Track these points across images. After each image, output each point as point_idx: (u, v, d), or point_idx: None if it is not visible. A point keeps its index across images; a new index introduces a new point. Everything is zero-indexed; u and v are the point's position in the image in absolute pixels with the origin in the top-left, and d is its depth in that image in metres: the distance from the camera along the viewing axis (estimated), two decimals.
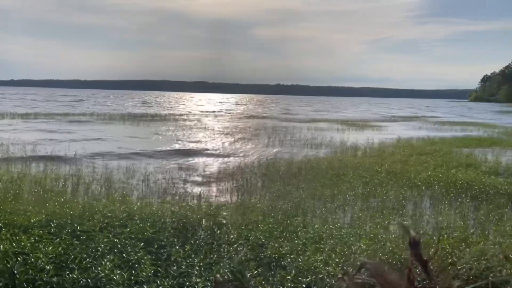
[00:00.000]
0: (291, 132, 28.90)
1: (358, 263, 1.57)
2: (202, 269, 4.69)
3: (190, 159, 17.26)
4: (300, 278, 4.54)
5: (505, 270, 4.58)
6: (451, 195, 10.33)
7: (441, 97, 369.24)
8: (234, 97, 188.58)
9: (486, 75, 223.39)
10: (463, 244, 5.49)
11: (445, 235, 5.94)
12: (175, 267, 4.71)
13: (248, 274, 4.47)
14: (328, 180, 11.47)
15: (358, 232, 6.25)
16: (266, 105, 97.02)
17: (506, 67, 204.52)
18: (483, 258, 4.80)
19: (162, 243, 5.41)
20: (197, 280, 4.42)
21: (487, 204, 9.47)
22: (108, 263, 4.56)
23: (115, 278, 4.29)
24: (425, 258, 1.68)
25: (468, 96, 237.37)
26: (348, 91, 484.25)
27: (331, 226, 6.59)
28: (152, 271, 4.54)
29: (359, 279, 1.47)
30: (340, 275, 2.21)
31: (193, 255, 5.02)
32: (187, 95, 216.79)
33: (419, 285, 1.49)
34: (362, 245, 5.38)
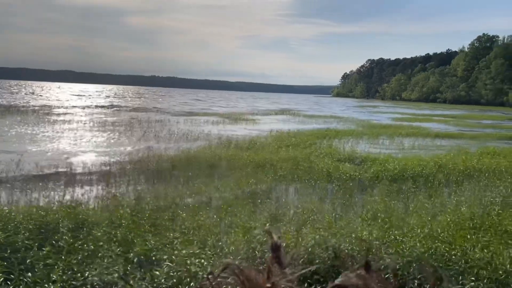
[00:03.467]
0: (165, 126, 28.44)
1: (222, 263, 1.67)
2: (65, 270, 4.43)
3: (57, 157, 15.84)
4: (171, 274, 4.53)
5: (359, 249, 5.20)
6: (312, 182, 11.41)
7: (309, 92, 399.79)
8: (106, 88, 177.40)
9: (346, 73, 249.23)
10: (321, 229, 6.10)
11: (307, 222, 6.55)
12: (29, 273, 4.36)
13: (115, 275, 4.36)
14: (201, 173, 11.68)
15: (231, 222, 6.52)
16: (140, 98, 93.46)
17: (361, 66, 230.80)
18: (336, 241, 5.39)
19: (17, 246, 4.95)
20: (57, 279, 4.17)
21: (343, 188, 10.68)
22: None
23: None
24: (284, 262, 1.82)
25: (331, 92, 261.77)
26: (224, 85, 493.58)
27: (201, 219, 6.74)
28: (2, 278, 4.15)
29: (223, 279, 1.55)
30: (205, 276, 2.30)
31: (52, 257, 4.70)
32: (51, 85, 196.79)
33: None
34: (232, 238, 5.57)
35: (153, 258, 4.96)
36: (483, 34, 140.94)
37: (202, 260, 4.75)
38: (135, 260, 4.90)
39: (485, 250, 5.23)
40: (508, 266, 4.85)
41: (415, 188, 10.59)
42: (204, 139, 20.95)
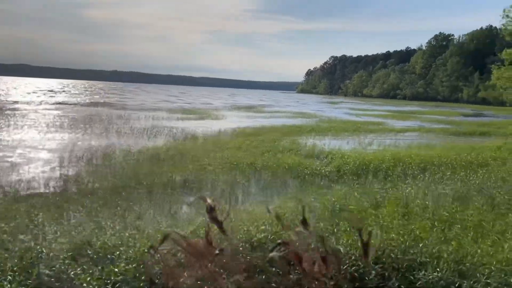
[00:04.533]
0: (129, 121, 27.90)
1: (162, 235, 1.76)
2: None
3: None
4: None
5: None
6: (276, 177, 11.60)
7: (273, 88, 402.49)
8: (64, 83, 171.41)
9: (310, 69, 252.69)
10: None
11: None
12: None
13: None
14: (161, 169, 11.61)
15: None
16: (103, 93, 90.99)
17: (325, 63, 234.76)
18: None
19: None
20: None
21: (306, 182, 10.93)
22: None
23: None
24: (219, 219, 1.98)
25: (295, 88, 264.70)
26: (188, 81, 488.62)
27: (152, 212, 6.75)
28: None
29: (165, 249, 1.65)
30: (146, 250, 2.35)
31: None
32: (3, 79, 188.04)
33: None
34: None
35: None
36: (440, 33, 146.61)
37: None
38: None
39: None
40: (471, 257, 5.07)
41: (375, 180, 10.97)
42: (174, 136, 20.71)
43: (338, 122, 33.49)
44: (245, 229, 4.93)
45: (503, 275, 4.54)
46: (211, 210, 1.87)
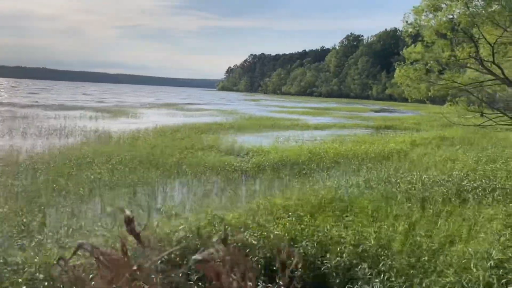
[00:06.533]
0: (36, 121, 25.81)
1: (75, 245, 1.67)
2: None
3: None
4: None
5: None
6: (197, 174, 11.53)
7: (193, 85, 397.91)
8: None
9: (230, 67, 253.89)
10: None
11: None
12: None
13: None
14: (72, 170, 10.94)
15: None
16: (6, 90, 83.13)
17: (245, 61, 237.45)
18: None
19: None
20: None
21: (225, 178, 10.98)
22: None
23: None
24: (137, 231, 1.92)
25: (216, 86, 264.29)
26: (104, 77, 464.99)
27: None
28: None
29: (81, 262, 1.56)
30: (55, 262, 2.22)
31: None
32: None
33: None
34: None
35: None
36: (351, 33, 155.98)
37: None
38: None
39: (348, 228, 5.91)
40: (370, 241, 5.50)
41: (293, 174, 11.38)
42: (86, 135, 19.54)
43: (258, 119, 34.11)
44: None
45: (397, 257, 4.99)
46: (129, 221, 1.79)
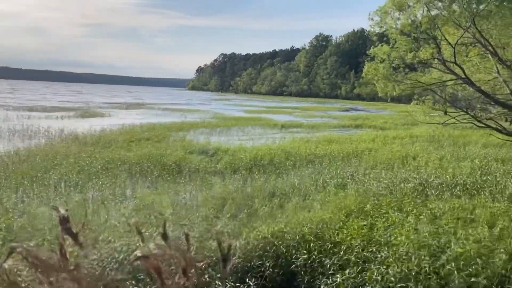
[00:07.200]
0: None
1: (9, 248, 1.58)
2: None
3: None
4: None
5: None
6: (163, 173, 11.39)
7: (163, 85, 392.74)
8: None
9: (200, 66, 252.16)
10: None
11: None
12: None
13: None
14: (39, 173, 10.58)
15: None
16: None
17: (215, 60, 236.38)
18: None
19: None
20: None
21: (192, 179, 10.87)
22: None
23: None
24: (74, 231, 1.85)
25: (186, 85, 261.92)
26: (69, 77, 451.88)
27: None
28: None
29: (7, 265, 1.48)
30: None
31: None
32: None
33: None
34: None
35: None
36: (320, 33, 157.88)
37: None
38: None
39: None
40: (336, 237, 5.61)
41: (268, 173, 11.39)
42: (51, 136, 18.91)
43: (229, 119, 34.02)
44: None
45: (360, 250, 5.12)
46: (64, 221, 1.71)
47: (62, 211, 1.65)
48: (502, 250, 4.91)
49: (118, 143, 16.43)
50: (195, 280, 1.85)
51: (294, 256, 5.25)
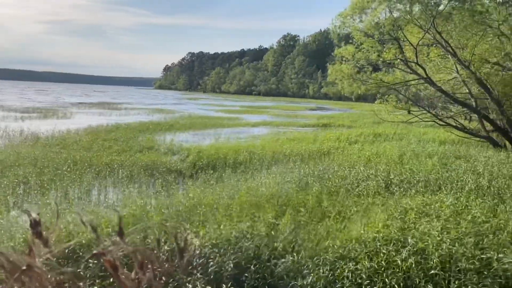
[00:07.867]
0: None
1: None
2: None
3: None
4: None
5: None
6: (135, 175, 11.16)
7: (129, 84, 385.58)
8: None
9: (167, 65, 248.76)
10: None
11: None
12: None
13: None
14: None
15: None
16: None
17: (183, 59, 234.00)
18: None
19: None
20: None
21: (163, 180, 10.73)
22: None
23: None
24: (45, 236, 1.80)
25: (153, 84, 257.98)
26: (30, 75, 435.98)
27: None
28: None
29: None
30: None
31: None
32: None
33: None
34: None
35: None
36: (287, 33, 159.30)
37: None
38: None
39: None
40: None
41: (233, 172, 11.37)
42: (11, 137, 18.12)
43: (197, 118, 33.76)
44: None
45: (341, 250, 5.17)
46: (35, 224, 1.70)
47: (34, 214, 1.64)
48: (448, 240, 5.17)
49: (83, 145, 15.96)
50: (152, 275, 1.84)
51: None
